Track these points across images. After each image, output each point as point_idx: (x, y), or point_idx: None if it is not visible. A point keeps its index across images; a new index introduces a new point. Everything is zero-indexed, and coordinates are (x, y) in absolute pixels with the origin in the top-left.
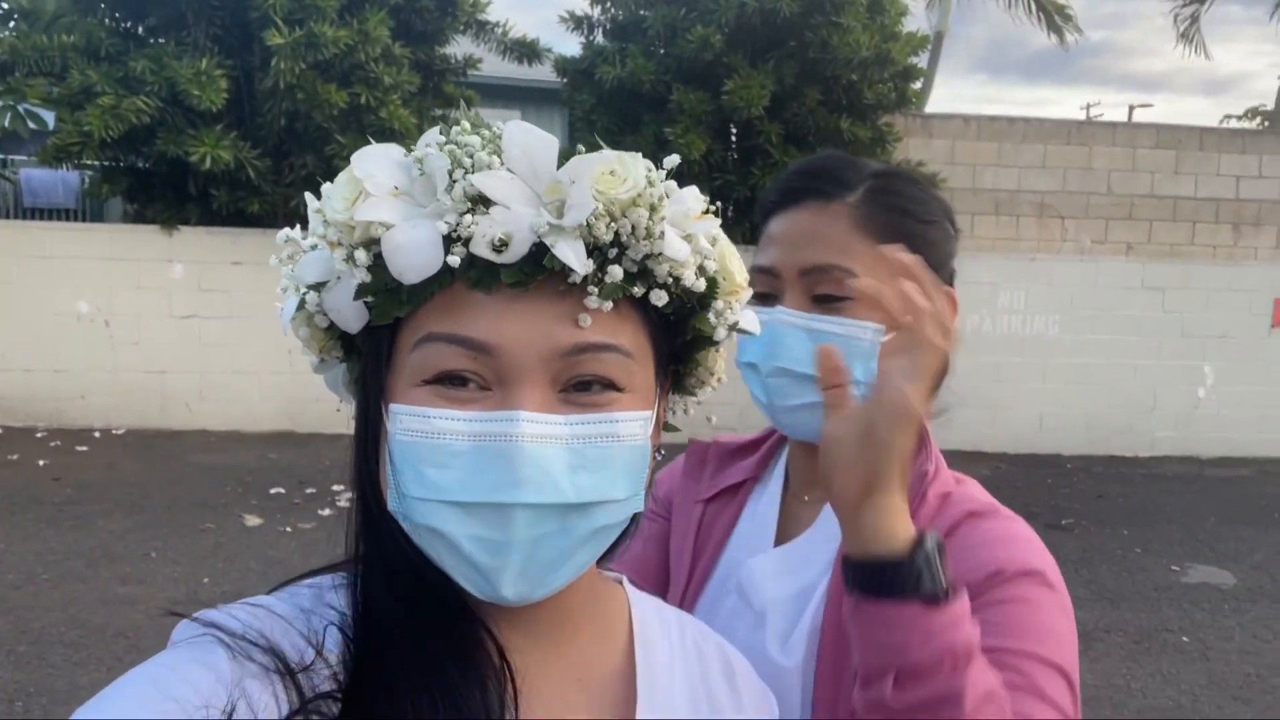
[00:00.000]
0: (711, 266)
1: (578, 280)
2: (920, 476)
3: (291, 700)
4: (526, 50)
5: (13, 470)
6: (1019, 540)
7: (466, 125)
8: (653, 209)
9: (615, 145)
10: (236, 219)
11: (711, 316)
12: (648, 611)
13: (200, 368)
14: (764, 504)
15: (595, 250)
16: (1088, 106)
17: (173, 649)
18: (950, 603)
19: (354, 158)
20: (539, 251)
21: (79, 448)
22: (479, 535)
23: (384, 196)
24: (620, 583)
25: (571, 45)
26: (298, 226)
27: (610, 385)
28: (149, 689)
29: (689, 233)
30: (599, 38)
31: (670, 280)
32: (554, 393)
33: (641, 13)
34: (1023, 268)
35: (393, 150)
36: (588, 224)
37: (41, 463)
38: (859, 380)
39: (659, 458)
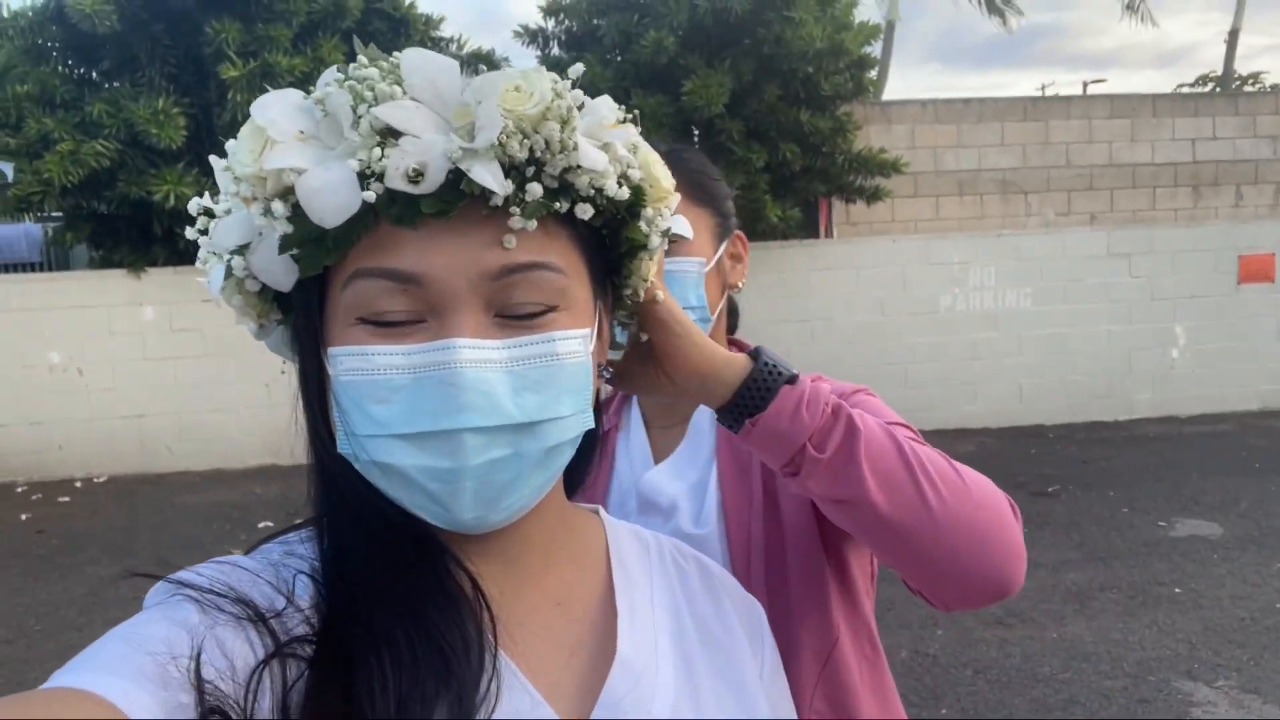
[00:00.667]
0: (636, 175)
1: (499, 203)
2: None
3: (266, 645)
4: (483, 62)
5: None
6: (842, 381)
7: (363, 59)
8: (564, 121)
9: None
10: None
11: (643, 224)
12: (624, 537)
13: (178, 409)
14: (634, 441)
15: (512, 170)
16: (1043, 87)
17: (147, 610)
18: (800, 376)
19: (253, 106)
20: (456, 178)
21: (61, 498)
22: (429, 465)
23: (290, 142)
24: (597, 513)
25: (528, 60)
26: (206, 195)
27: (546, 307)
28: (122, 646)
29: (606, 142)
30: (555, 49)
31: (593, 192)
32: (488, 318)
33: (595, 22)
34: (990, 244)
35: (292, 94)
36: (500, 143)
37: (24, 516)
38: (694, 305)
39: (605, 376)
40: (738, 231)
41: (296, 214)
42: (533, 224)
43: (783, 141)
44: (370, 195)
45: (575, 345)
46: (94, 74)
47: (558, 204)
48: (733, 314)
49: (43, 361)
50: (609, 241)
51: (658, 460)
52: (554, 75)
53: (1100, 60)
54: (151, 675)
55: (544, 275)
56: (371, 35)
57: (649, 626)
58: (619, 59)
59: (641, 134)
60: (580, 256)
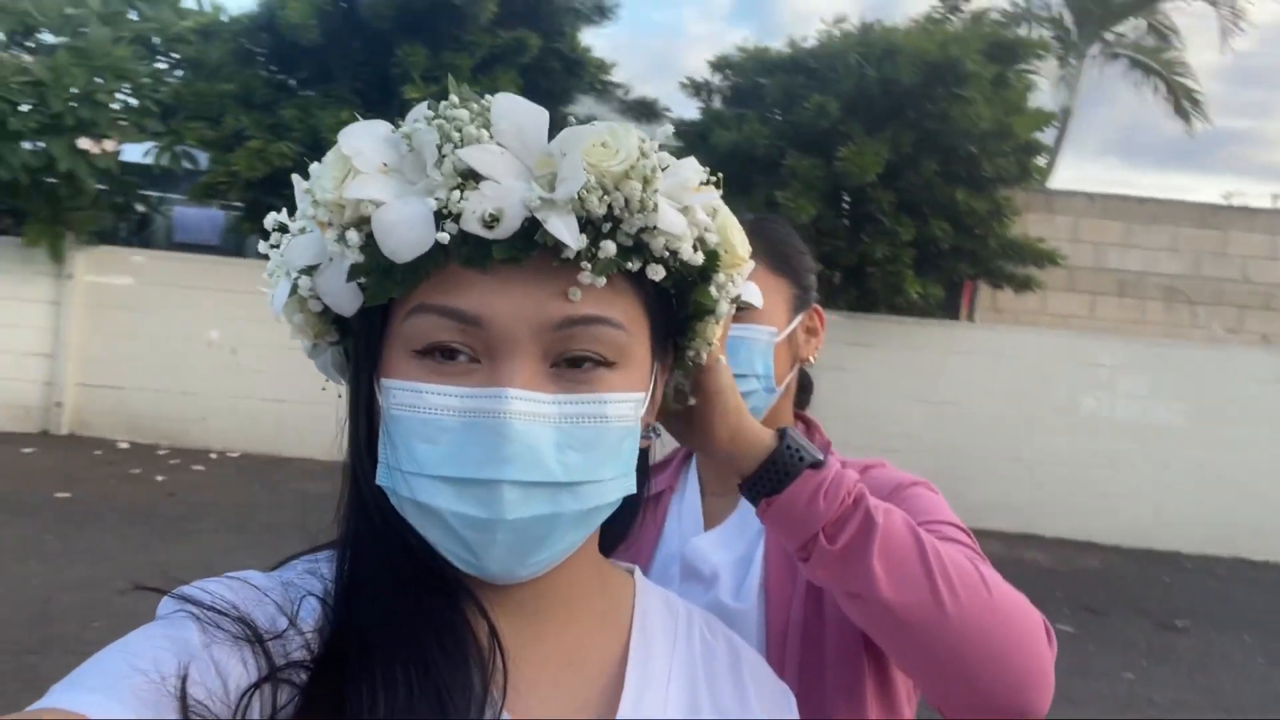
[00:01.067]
0: (712, 239)
1: (571, 255)
2: (823, 448)
3: (261, 667)
4: (646, 110)
5: (133, 484)
6: (903, 472)
7: (455, 99)
8: (646, 181)
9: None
10: None
11: (713, 289)
12: (654, 602)
13: (314, 399)
14: (687, 504)
15: (588, 224)
16: (1228, 195)
17: (148, 625)
18: (829, 461)
19: (341, 135)
20: (531, 227)
21: (195, 467)
22: (466, 513)
23: (373, 173)
24: (631, 573)
25: (690, 111)
26: (284, 210)
27: (602, 360)
28: (118, 662)
29: (686, 205)
30: (717, 103)
31: (668, 254)
32: (545, 367)
33: (760, 80)
34: (1147, 352)
35: (380, 126)
36: (580, 197)
37: (160, 479)
38: (759, 374)
39: (656, 436)
40: (815, 305)
41: (369, 244)
42: (602, 281)
43: (934, 218)
44: (444, 237)
45: (626, 410)
46: (291, 81)
47: (630, 263)
48: (804, 389)
49: (202, 338)
50: (676, 303)
51: (709, 527)
52: (641, 134)
53: None
54: (141, 694)
55: (605, 330)
56: (546, 73)
57: (659, 701)
58: (779, 118)
59: (792, 196)
60: (644, 316)
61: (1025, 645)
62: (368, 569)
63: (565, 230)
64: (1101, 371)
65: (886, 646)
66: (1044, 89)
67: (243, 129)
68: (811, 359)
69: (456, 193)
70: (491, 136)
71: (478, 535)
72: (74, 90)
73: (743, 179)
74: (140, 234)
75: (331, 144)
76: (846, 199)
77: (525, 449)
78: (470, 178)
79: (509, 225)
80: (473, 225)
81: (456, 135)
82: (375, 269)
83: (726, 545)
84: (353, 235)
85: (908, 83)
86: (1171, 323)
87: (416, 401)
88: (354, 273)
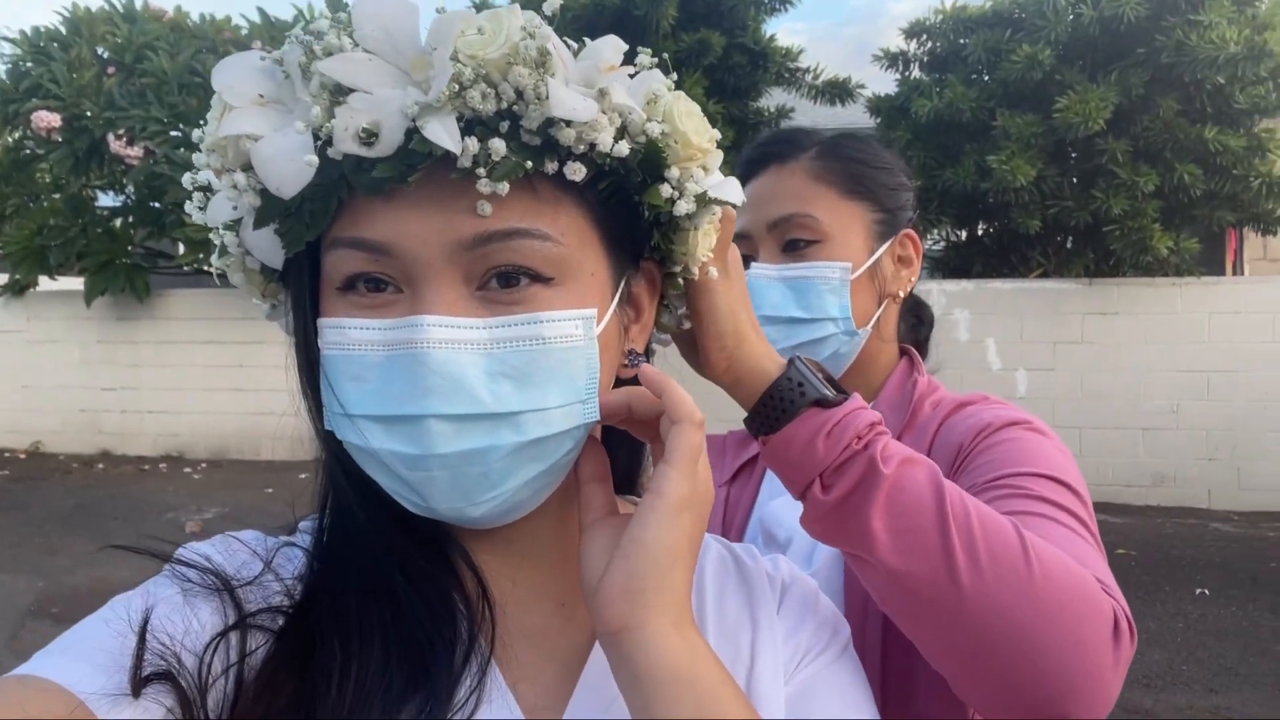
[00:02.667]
0: (655, 129)
1: (467, 164)
2: (915, 388)
3: (230, 615)
4: (839, 90)
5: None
6: (1005, 407)
7: (320, 10)
8: (538, 64)
9: (933, 180)
10: None
11: (666, 188)
12: None
13: None
14: None
15: (478, 125)
16: None
17: (128, 592)
18: (842, 403)
19: (213, 70)
20: (413, 137)
21: None
22: (399, 450)
23: (248, 106)
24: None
25: (885, 85)
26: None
27: (534, 275)
28: (98, 625)
29: (602, 87)
30: (915, 72)
31: (585, 148)
32: (469, 290)
33: (961, 41)
34: None
35: (250, 56)
36: (459, 93)
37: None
38: (834, 317)
39: (638, 362)
40: (907, 229)
41: (264, 185)
42: (503, 187)
43: (1180, 163)
44: (313, 160)
45: (570, 329)
46: None
47: (543, 164)
48: (921, 321)
49: None
50: (629, 207)
51: None
52: (531, 13)
53: None
54: (107, 648)
55: (528, 244)
56: (732, 70)
57: None
58: (985, 78)
59: (1005, 158)
60: (590, 226)
61: (1072, 639)
62: (346, 519)
63: (444, 133)
64: None
65: (899, 624)
66: None
67: None
68: (900, 294)
69: (327, 111)
70: (356, 44)
71: (414, 474)
72: None
73: (949, 146)
74: None
75: None
76: (1073, 154)
77: (447, 380)
78: (341, 93)
79: (390, 139)
80: (348, 144)
81: (318, 47)
82: (277, 212)
83: None
84: (239, 178)
85: (1132, 16)
86: None
87: (342, 339)
88: (259, 219)
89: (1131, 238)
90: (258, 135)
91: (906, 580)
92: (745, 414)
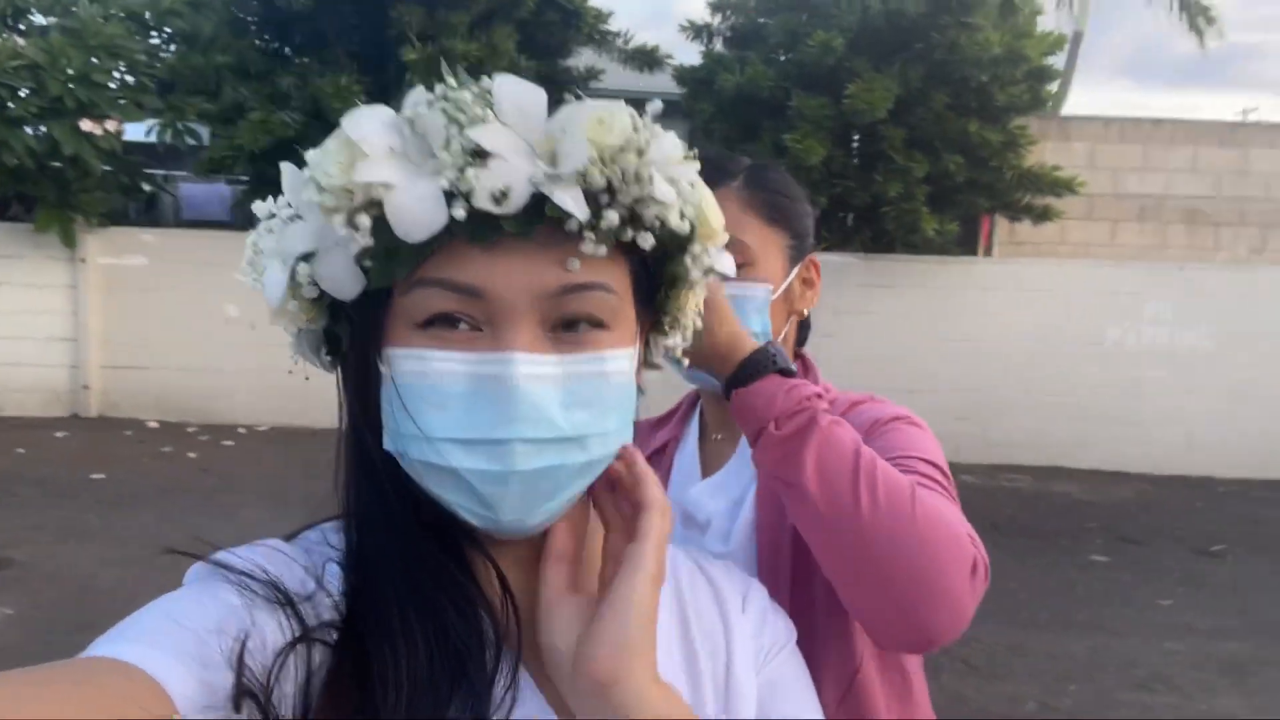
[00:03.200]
0: (690, 211)
1: (574, 228)
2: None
3: (294, 629)
4: (647, 59)
5: (166, 461)
6: (890, 404)
7: (453, 82)
8: (640, 153)
9: (734, 152)
10: None
11: (688, 259)
12: None
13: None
14: (687, 453)
15: (589, 197)
16: (1244, 112)
17: (186, 586)
18: (799, 376)
19: (345, 121)
20: (534, 201)
21: (225, 442)
22: (480, 468)
23: (381, 157)
24: None
25: (692, 55)
26: (270, 199)
27: (597, 323)
28: (163, 619)
29: (673, 176)
30: (719, 46)
31: (658, 224)
32: (544, 332)
33: (761, 20)
34: (1171, 277)
35: (383, 111)
36: (583, 171)
37: (191, 455)
38: (756, 332)
39: (641, 395)
40: (812, 255)
41: (378, 227)
42: (603, 250)
43: (947, 152)
44: (460, 213)
45: (622, 365)
46: (286, 49)
47: (624, 233)
48: (803, 327)
49: (220, 314)
50: (654, 271)
51: (705, 474)
52: (632, 110)
53: None
54: (190, 652)
55: (599, 295)
56: (543, 26)
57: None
58: (783, 58)
59: (800, 137)
60: (630, 281)
61: (939, 568)
62: (379, 534)
63: (572, 202)
64: (1125, 299)
65: (810, 542)
66: (1050, 12)
67: (242, 100)
68: (805, 311)
69: (469, 171)
70: (495, 116)
71: (492, 488)
72: (70, 71)
73: (749, 123)
74: (149, 213)
75: (333, 111)
76: (856, 138)
77: (533, 409)
78: (477, 156)
79: (516, 201)
80: (484, 201)
81: (462, 116)
82: (381, 252)
83: (722, 491)
84: (363, 219)
85: (913, 13)
86: (1195, 246)
87: (423, 369)
88: (361, 256)
89: (904, 219)
90: (391, 184)
91: (823, 506)
92: (721, 381)
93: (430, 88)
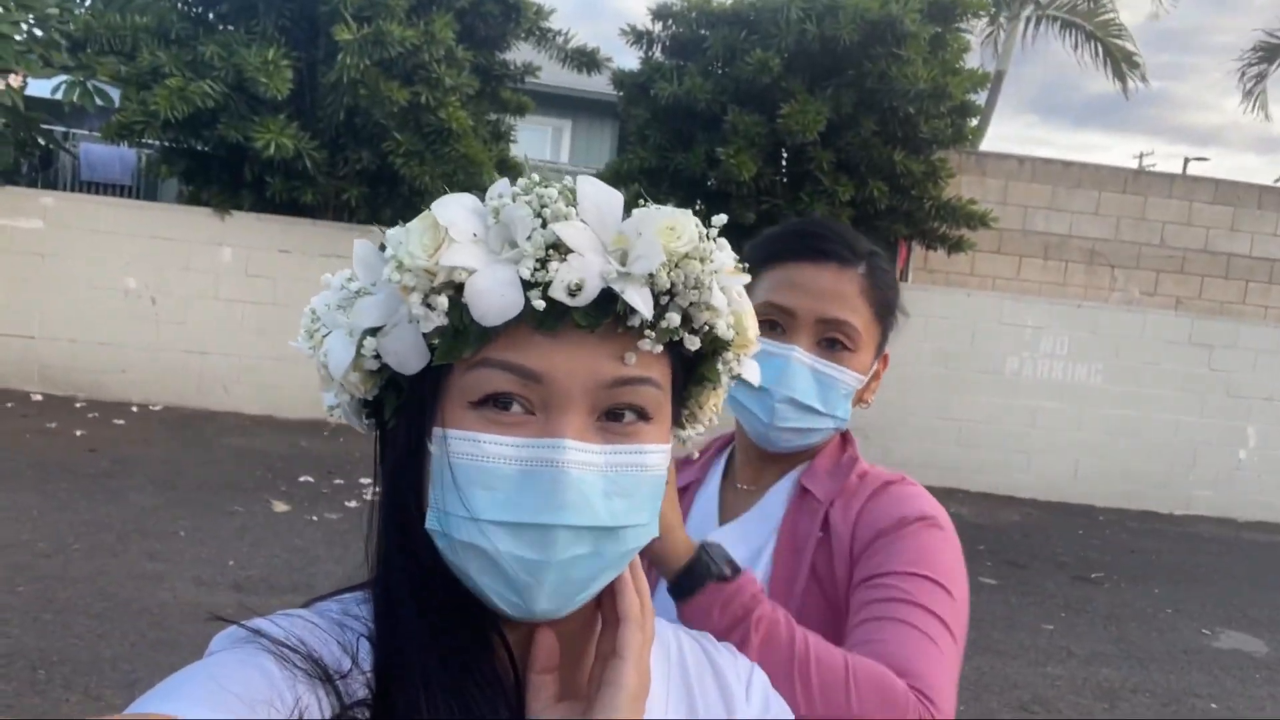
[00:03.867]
0: (733, 320)
1: (636, 324)
2: (850, 463)
3: (333, 705)
4: (586, 59)
5: (50, 438)
6: (920, 497)
7: (536, 177)
8: (704, 260)
9: (666, 161)
10: (288, 208)
11: (720, 364)
12: None
13: (240, 351)
14: (706, 497)
15: (653, 297)
16: (1140, 156)
17: (222, 652)
18: (736, 578)
19: (435, 206)
20: (602, 296)
21: (116, 421)
22: (519, 554)
23: (465, 242)
24: None
25: (630, 59)
26: (338, 272)
27: (643, 415)
28: (211, 684)
29: (725, 285)
30: (658, 54)
31: (706, 328)
32: (592, 420)
33: (702, 32)
34: (1068, 313)
35: (468, 199)
36: (653, 273)
37: (79, 433)
38: (840, 417)
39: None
40: (885, 351)
41: (453, 308)
42: (659, 347)
43: (872, 178)
44: (540, 303)
45: (660, 459)
46: (210, 15)
47: (679, 333)
48: None
49: (119, 286)
50: (687, 370)
51: (723, 520)
52: (698, 220)
53: (1202, 135)
54: (237, 714)
55: (648, 390)
56: (483, 17)
57: None
58: (720, 72)
59: (733, 152)
60: (670, 379)
61: None
62: (410, 611)
63: (641, 301)
64: (1026, 332)
65: None
66: (975, 49)
67: (160, 65)
68: (869, 401)
69: (553, 263)
70: (577, 214)
71: (528, 577)
72: None
73: (684, 133)
74: (44, 172)
75: (255, 84)
76: (785, 157)
77: (579, 496)
78: (557, 250)
79: (588, 294)
80: (560, 293)
81: (547, 212)
82: (450, 331)
83: (743, 539)
84: (440, 300)
85: (848, 40)
86: (1092, 285)
87: (475, 450)
88: (435, 334)
89: None
90: (474, 269)
91: None
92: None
93: (360, 70)
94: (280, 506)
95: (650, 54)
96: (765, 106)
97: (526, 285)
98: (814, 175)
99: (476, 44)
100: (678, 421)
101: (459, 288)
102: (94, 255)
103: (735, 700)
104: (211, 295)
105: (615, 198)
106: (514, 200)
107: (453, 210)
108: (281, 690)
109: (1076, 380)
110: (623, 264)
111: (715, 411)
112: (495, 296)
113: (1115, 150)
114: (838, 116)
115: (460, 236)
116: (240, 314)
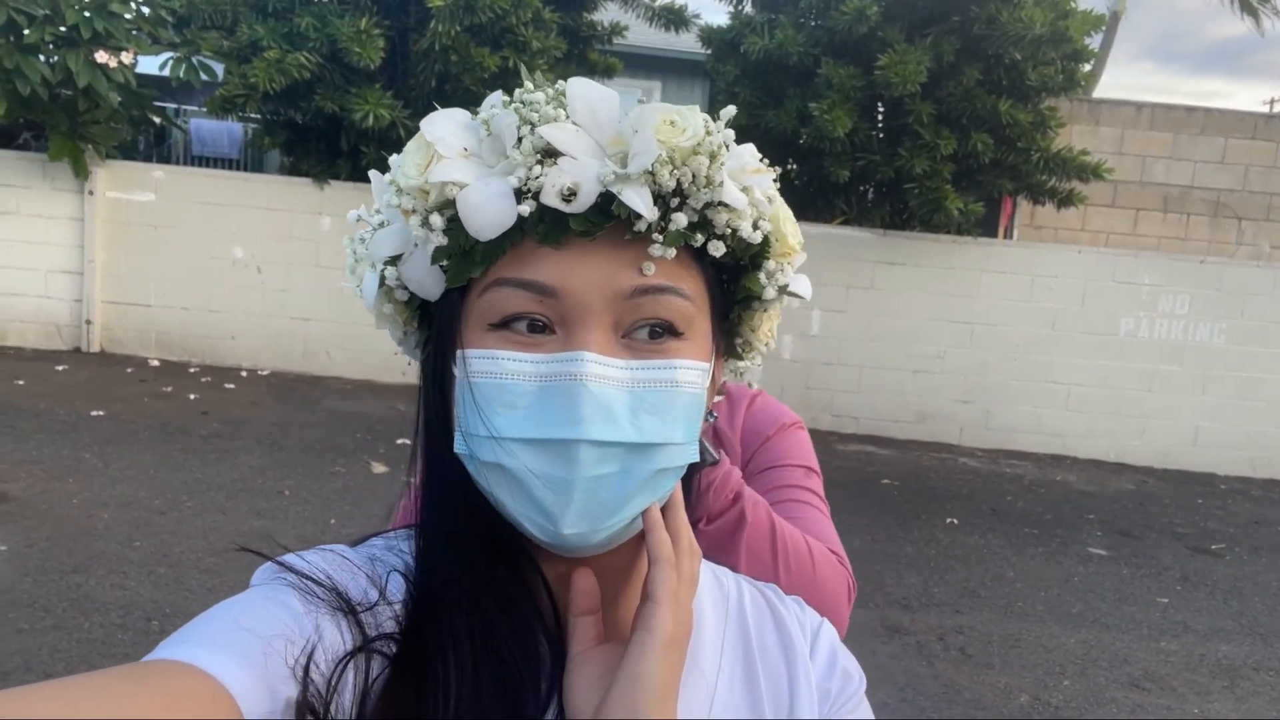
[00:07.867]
0: (766, 225)
1: (642, 229)
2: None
3: (355, 637)
4: (674, 17)
5: (167, 401)
6: (782, 406)
7: (530, 84)
8: (712, 156)
9: (757, 119)
10: None
11: (762, 276)
12: (705, 580)
13: (341, 318)
14: None
15: (658, 199)
16: (1271, 102)
17: (253, 589)
18: (719, 464)
19: (423, 123)
20: (604, 201)
21: (227, 385)
22: (544, 472)
23: (455, 158)
24: None
25: (719, 15)
26: (362, 206)
27: (670, 329)
28: (229, 624)
29: (746, 185)
30: (748, 7)
31: (728, 231)
32: (616, 336)
33: None
34: (1189, 270)
35: (458, 114)
36: (652, 171)
37: (192, 396)
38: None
39: (711, 419)
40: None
41: (452, 227)
42: (672, 252)
43: (975, 131)
44: (525, 209)
45: (694, 376)
46: None
47: (696, 237)
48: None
49: (227, 255)
50: (727, 287)
51: None
52: (706, 114)
53: None
54: (256, 658)
55: (674, 300)
56: None
57: (709, 674)
58: (814, 24)
59: (826, 107)
60: (705, 292)
61: (833, 605)
62: (445, 545)
63: (640, 202)
64: (1142, 290)
65: None
66: None
67: (258, 39)
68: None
69: (537, 168)
70: (567, 117)
71: (555, 496)
72: (86, 1)
73: (774, 89)
74: (158, 148)
75: (349, 54)
76: (882, 110)
77: (600, 410)
78: (548, 156)
79: (585, 199)
80: (552, 199)
81: (535, 116)
82: (456, 251)
83: None
84: (436, 219)
85: None
86: (1217, 239)
87: (494, 368)
88: (437, 256)
89: (928, 196)
90: (464, 183)
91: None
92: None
93: (451, 36)
94: (379, 468)
95: (740, 7)
96: (861, 58)
97: (519, 195)
98: (913, 129)
99: (563, 5)
100: (733, 352)
101: (455, 205)
102: (203, 226)
103: (796, 652)
104: (313, 263)
105: (610, 97)
106: (504, 109)
107: (441, 126)
108: (302, 622)
109: (1198, 341)
110: (623, 165)
111: (770, 336)
112: (487, 209)
113: (1240, 97)
114: (938, 66)
115: (449, 152)
116: (340, 281)
